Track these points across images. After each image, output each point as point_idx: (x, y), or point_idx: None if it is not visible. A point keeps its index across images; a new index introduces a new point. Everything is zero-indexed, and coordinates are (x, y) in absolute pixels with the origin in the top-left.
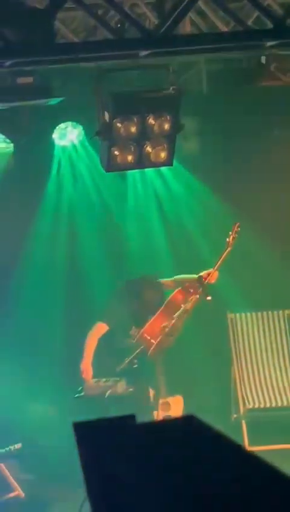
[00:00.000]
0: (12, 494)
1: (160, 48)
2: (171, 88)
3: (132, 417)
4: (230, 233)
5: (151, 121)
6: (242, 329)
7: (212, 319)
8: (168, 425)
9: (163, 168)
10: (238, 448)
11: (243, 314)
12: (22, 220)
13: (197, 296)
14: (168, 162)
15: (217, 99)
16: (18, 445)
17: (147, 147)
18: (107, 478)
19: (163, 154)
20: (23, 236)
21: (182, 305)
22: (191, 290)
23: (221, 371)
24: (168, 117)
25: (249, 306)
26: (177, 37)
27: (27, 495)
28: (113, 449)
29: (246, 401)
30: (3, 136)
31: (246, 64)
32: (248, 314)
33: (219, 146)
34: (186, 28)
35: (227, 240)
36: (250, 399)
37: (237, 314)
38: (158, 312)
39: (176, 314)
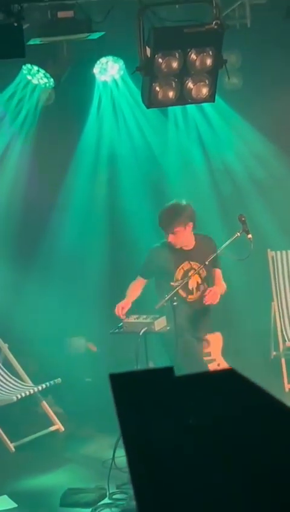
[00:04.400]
0: (52, 428)
1: None
2: (214, 23)
3: (169, 369)
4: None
5: (193, 56)
6: (283, 267)
7: (252, 256)
8: (208, 378)
9: (205, 104)
10: (278, 405)
11: (284, 252)
12: (63, 155)
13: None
14: (210, 99)
15: (260, 34)
16: (58, 380)
17: (188, 82)
18: (143, 431)
19: (205, 90)
20: (63, 171)
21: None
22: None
23: (261, 309)
24: (210, 52)
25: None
26: None
27: (66, 429)
28: (149, 402)
29: (286, 339)
30: (43, 71)
31: None
32: (289, 251)
33: (262, 82)
34: None
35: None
36: None
37: (278, 252)
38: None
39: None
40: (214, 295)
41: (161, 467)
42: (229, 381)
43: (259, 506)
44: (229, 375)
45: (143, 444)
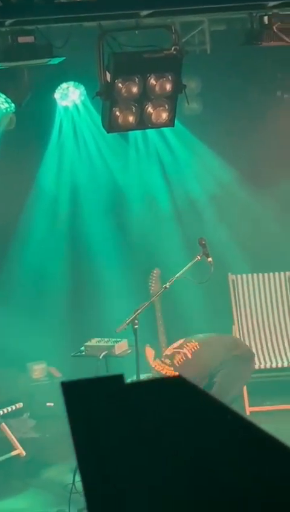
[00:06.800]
0: (13, 453)
1: (161, 8)
2: (173, 48)
3: (120, 376)
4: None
5: (152, 81)
6: (243, 291)
7: (213, 280)
8: (156, 385)
9: (165, 129)
10: (226, 410)
11: (245, 276)
12: (24, 180)
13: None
14: (169, 123)
15: (220, 59)
16: (19, 405)
17: (148, 107)
18: (93, 438)
19: (164, 115)
20: (24, 196)
21: None
22: None
23: (221, 332)
24: (169, 77)
25: (250, 268)
26: None
27: (28, 454)
28: (101, 409)
29: None
30: (4, 96)
31: (249, 24)
32: (249, 275)
33: (221, 107)
34: None
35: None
36: None
37: (238, 276)
38: None
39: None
40: None
41: (110, 473)
42: (179, 388)
43: None
44: (178, 382)
45: (93, 451)
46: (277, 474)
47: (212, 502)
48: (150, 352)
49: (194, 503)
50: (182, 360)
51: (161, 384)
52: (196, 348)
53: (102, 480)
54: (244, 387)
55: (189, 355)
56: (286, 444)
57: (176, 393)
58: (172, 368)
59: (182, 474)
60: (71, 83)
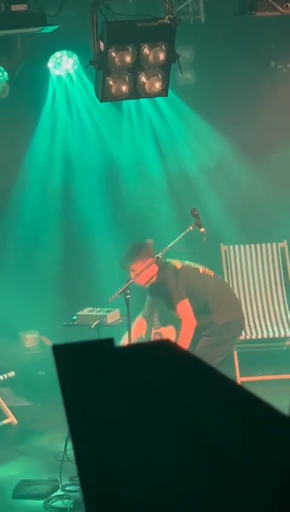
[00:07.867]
0: (5, 421)
1: None
2: (166, 17)
3: (110, 340)
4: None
5: (146, 50)
6: (235, 261)
7: (205, 250)
8: (145, 349)
9: (158, 99)
10: (213, 373)
11: (237, 247)
12: (17, 149)
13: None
14: (162, 93)
15: (214, 29)
16: (11, 373)
17: (141, 77)
18: (85, 400)
19: (158, 85)
20: (17, 165)
21: None
22: None
23: None
24: (163, 47)
25: (242, 238)
26: None
27: (20, 422)
28: (91, 372)
29: None
30: None
31: None
32: (241, 246)
33: (215, 77)
34: None
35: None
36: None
37: (231, 246)
38: None
39: None
40: None
41: (100, 436)
42: (168, 350)
43: (197, 475)
44: (167, 345)
45: (83, 413)
46: (267, 435)
47: (199, 464)
48: (142, 322)
49: (183, 467)
50: (206, 270)
51: (150, 347)
52: (213, 274)
53: (92, 442)
54: (235, 358)
55: (211, 274)
56: (273, 406)
57: (165, 355)
58: (200, 268)
59: (173, 437)
60: (64, 52)
